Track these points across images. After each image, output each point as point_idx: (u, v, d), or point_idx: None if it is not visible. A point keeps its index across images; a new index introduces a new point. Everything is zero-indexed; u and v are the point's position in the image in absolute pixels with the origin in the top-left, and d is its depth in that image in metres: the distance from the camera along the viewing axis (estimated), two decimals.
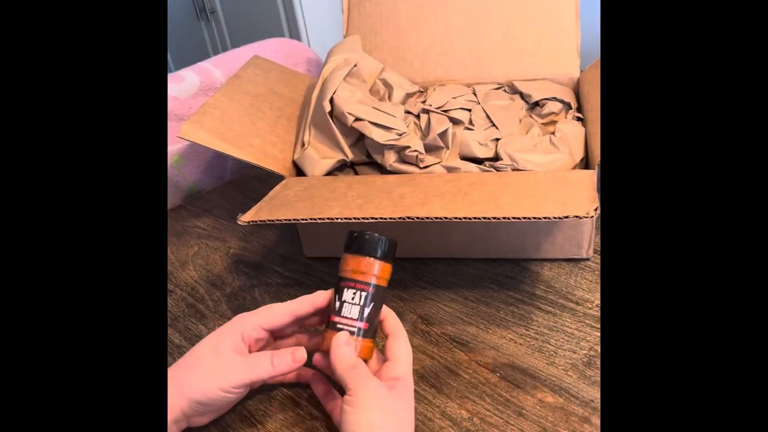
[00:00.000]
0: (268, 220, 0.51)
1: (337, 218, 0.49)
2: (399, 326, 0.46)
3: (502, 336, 0.53)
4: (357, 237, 0.44)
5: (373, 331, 0.44)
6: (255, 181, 0.85)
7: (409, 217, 0.48)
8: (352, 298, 0.43)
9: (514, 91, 0.72)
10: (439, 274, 0.62)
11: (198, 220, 0.76)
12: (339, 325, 0.43)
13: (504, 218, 0.46)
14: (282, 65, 0.80)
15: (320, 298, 0.46)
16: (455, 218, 0.47)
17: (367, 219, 0.49)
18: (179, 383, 0.42)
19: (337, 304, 0.44)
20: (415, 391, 0.49)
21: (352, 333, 0.43)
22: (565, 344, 0.51)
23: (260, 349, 0.47)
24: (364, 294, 0.43)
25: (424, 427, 0.46)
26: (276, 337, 0.48)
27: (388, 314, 0.46)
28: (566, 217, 0.45)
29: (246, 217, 0.52)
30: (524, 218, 0.46)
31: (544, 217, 0.45)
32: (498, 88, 0.72)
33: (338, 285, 0.44)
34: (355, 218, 0.49)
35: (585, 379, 0.48)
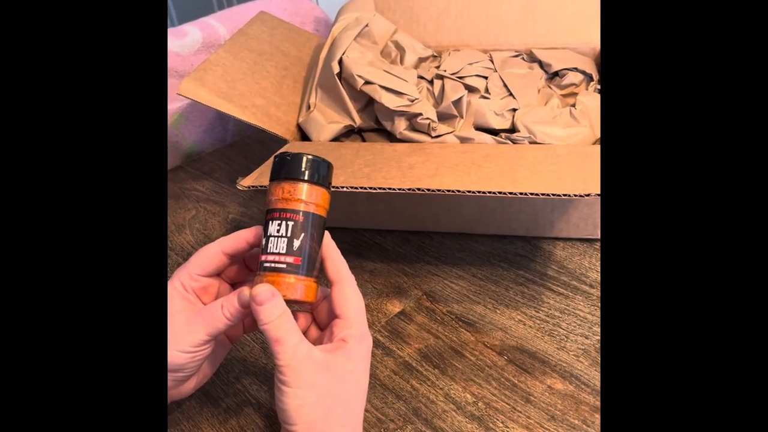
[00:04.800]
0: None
1: (343, 187, 0.46)
2: (344, 269, 0.39)
3: (510, 317, 0.51)
4: (278, 161, 0.38)
5: (312, 266, 0.37)
6: (257, 144, 0.82)
7: (419, 189, 0.45)
8: (278, 230, 0.36)
9: (532, 59, 0.68)
10: (446, 249, 0.59)
11: (197, 183, 0.74)
12: (266, 264, 0.37)
13: (521, 194, 0.43)
14: (289, 23, 0.76)
15: (253, 232, 0.40)
16: (468, 192, 0.44)
17: (375, 189, 0.46)
18: None
19: (263, 240, 0.37)
20: (418, 371, 0.46)
21: (281, 271, 0.36)
22: (577, 328, 0.49)
23: (216, 298, 0.41)
24: (291, 224, 0.36)
25: (426, 410, 0.44)
26: (233, 284, 0.43)
27: (330, 253, 0.39)
28: (587, 195, 0.42)
29: (246, 182, 0.49)
30: (542, 194, 0.43)
31: (564, 195, 0.43)
32: (516, 56, 0.69)
33: (264, 220, 0.38)
34: (362, 187, 0.46)
35: (597, 366, 0.45)
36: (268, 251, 0.37)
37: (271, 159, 0.53)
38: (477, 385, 0.45)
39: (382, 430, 0.43)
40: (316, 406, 0.34)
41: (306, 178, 0.37)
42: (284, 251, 0.36)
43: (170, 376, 0.39)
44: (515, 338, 0.49)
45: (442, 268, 0.57)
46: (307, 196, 0.37)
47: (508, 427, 0.42)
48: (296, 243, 0.36)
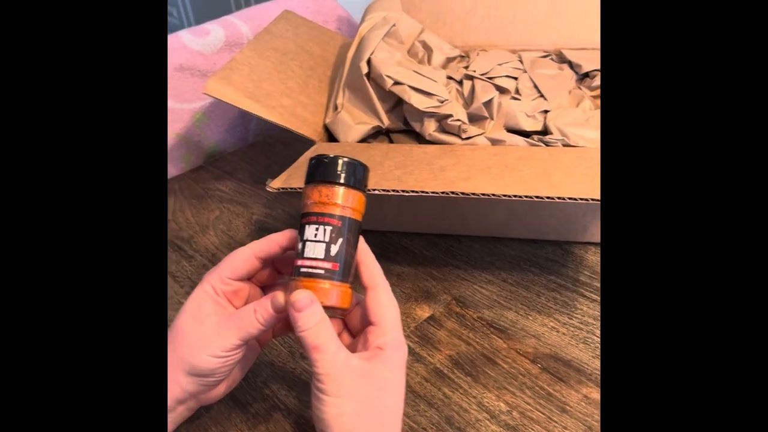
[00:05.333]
0: (300, 188, 0.47)
1: (374, 190, 0.45)
2: (379, 275, 0.38)
3: (543, 324, 0.50)
4: (315, 163, 0.37)
5: (348, 272, 0.37)
6: (279, 144, 0.81)
7: (453, 192, 0.44)
8: (315, 235, 0.35)
9: (561, 60, 0.67)
10: (475, 253, 0.58)
11: (220, 183, 0.73)
12: (303, 269, 0.36)
13: (558, 198, 0.42)
14: (313, 22, 0.76)
15: (287, 235, 0.39)
16: (504, 195, 0.43)
17: (408, 192, 0.45)
18: (169, 361, 0.38)
19: (299, 245, 0.36)
20: (450, 379, 0.46)
21: (318, 276, 0.35)
22: None
23: (246, 302, 0.41)
24: (328, 228, 0.35)
25: (459, 419, 0.43)
26: (263, 287, 0.42)
27: (365, 259, 0.38)
28: None
29: (275, 184, 0.48)
30: (581, 199, 0.42)
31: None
32: (545, 56, 0.67)
33: (300, 223, 0.37)
34: (393, 190, 0.45)
35: None
36: (305, 256, 0.36)
37: (300, 160, 0.53)
38: (511, 393, 0.44)
39: None
40: (356, 415, 0.34)
41: (343, 181, 0.36)
42: (322, 256, 0.35)
43: (201, 381, 0.38)
44: (549, 346, 0.48)
45: (472, 273, 0.56)
46: (344, 200, 0.36)
47: None
48: (334, 248, 0.36)
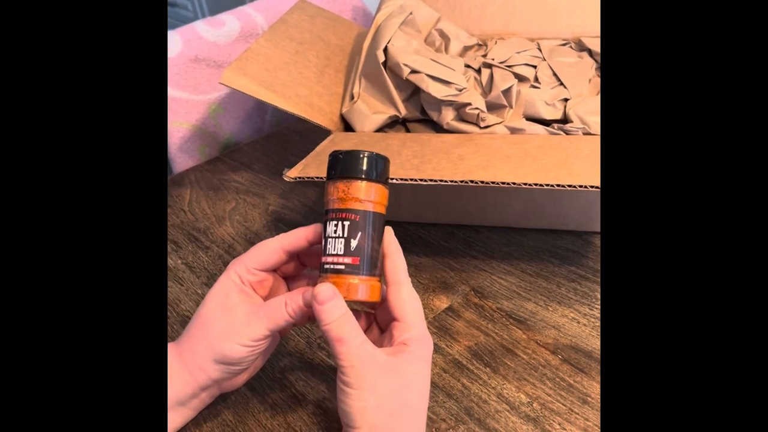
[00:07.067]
0: (317, 178, 0.46)
1: (392, 179, 0.45)
2: (403, 270, 0.37)
3: (563, 314, 0.49)
4: (333, 159, 0.36)
5: (374, 265, 0.36)
6: (295, 136, 0.81)
7: (472, 181, 0.43)
8: (335, 231, 0.35)
9: (581, 48, 0.66)
10: (493, 244, 0.57)
11: (236, 174, 0.73)
12: (326, 266, 0.36)
13: (581, 186, 0.42)
14: (329, 11, 0.75)
15: (314, 230, 0.39)
16: (525, 184, 0.42)
17: (426, 181, 0.44)
18: (196, 348, 0.38)
19: (323, 241, 0.36)
20: (469, 370, 0.45)
21: (342, 272, 0.35)
22: None
23: (270, 292, 0.41)
24: (347, 223, 0.35)
25: (479, 410, 0.42)
26: (286, 278, 0.42)
27: (391, 251, 0.38)
28: None
29: (292, 173, 0.47)
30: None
31: None
32: (564, 44, 0.66)
33: (323, 221, 0.37)
34: (411, 179, 0.45)
35: None
36: (327, 253, 0.36)
37: (316, 150, 0.52)
38: (531, 384, 0.44)
39: (433, 429, 0.41)
40: (379, 409, 0.33)
41: (361, 175, 0.35)
42: (342, 252, 0.35)
43: (227, 369, 0.39)
44: (569, 336, 0.47)
45: (490, 263, 0.55)
46: (363, 194, 0.35)
47: (565, 430, 0.40)
48: (353, 243, 0.35)
